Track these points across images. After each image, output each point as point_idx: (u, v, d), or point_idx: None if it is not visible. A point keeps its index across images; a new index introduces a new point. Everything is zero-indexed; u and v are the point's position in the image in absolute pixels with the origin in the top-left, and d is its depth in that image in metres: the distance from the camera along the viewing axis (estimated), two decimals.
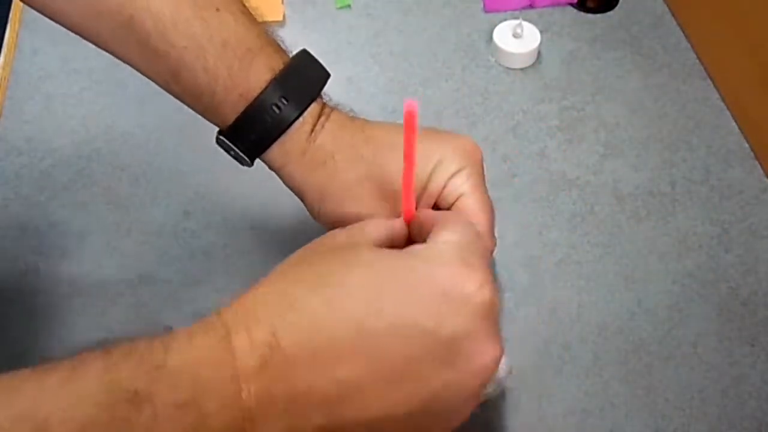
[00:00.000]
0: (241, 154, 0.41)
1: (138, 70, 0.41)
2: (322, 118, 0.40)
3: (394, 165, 0.38)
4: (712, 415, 0.46)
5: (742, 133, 0.60)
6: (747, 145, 0.59)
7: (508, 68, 0.66)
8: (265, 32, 0.40)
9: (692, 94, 0.63)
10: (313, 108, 0.40)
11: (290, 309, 0.28)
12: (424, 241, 0.32)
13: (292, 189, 0.42)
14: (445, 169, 0.39)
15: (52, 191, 0.58)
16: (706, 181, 0.57)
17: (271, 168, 0.41)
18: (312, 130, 0.40)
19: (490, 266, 0.37)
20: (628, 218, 0.55)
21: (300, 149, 0.40)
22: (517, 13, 0.70)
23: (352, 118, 0.42)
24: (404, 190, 0.34)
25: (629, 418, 0.46)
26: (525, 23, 0.65)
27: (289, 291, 0.29)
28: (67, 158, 0.60)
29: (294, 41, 0.69)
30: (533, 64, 0.66)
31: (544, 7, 0.71)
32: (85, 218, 0.56)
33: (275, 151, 0.40)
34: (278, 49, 0.41)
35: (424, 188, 0.39)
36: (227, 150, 0.41)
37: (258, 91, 0.39)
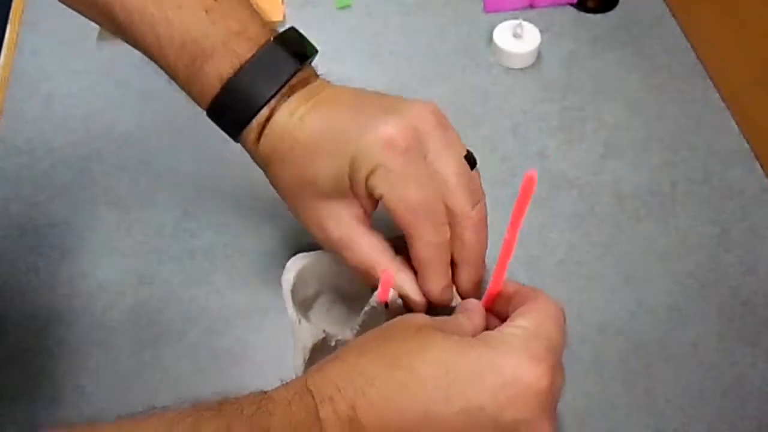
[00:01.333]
0: (224, 131, 0.42)
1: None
2: (266, 130, 0.39)
3: (312, 165, 0.38)
4: (712, 415, 0.46)
5: (742, 133, 0.60)
6: (747, 145, 0.59)
7: (508, 68, 0.66)
8: (231, 28, 0.39)
9: (692, 94, 0.63)
10: (260, 114, 0.39)
11: (369, 386, 0.31)
12: (506, 314, 0.36)
13: (272, 184, 0.42)
14: (360, 168, 0.36)
15: (52, 191, 0.58)
16: (706, 181, 0.57)
17: (253, 159, 0.42)
18: (258, 138, 0.40)
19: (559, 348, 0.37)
20: (628, 218, 0.55)
21: (257, 144, 0.40)
22: (517, 13, 0.70)
23: (309, 95, 0.39)
24: (498, 270, 0.37)
25: (629, 418, 0.46)
26: (525, 23, 0.65)
27: (369, 369, 0.32)
28: (67, 158, 0.60)
29: None
30: (533, 64, 0.66)
31: (544, 7, 0.71)
32: (84, 218, 0.56)
33: (252, 134, 0.40)
34: (241, 44, 0.39)
35: (351, 182, 0.37)
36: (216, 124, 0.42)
37: (209, 97, 0.39)
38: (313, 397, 0.31)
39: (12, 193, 0.58)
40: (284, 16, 0.71)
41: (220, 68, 0.38)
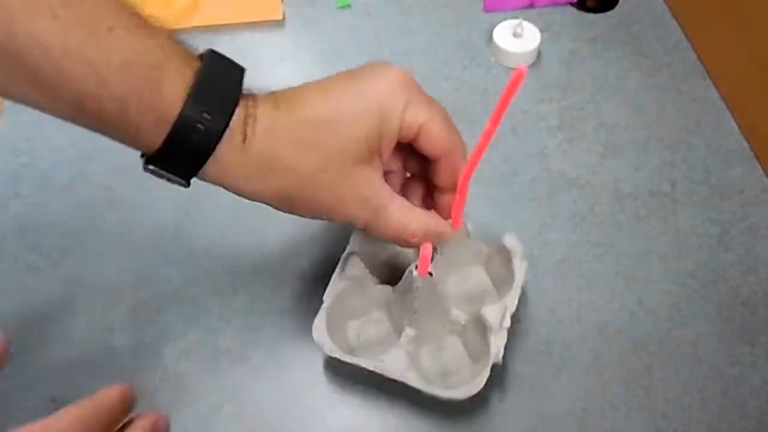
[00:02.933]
0: (175, 178, 0.38)
1: (39, 109, 0.36)
2: (250, 121, 0.37)
3: (338, 137, 0.38)
4: (712, 414, 0.46)
5: (742, 132, 0.60)
6: (747, 145, 0.59)
7: (508, 68, 0.66)
8: (167, 41, 0.36)
9: (692, 94, 0.63)
10: (238, 114, 0.37)
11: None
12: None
13: (247, 198, 0.39)
14: (392, 112, 0.39)
15: (52, 190, 0.58)
16: (706, 181, 0.57)
17: (213, 183, 0.39)
18: (244, 139, 0.37)
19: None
20: (628, 218, 0.55)
21: (236, 161, 0.37)
22: (517, 12, 0.70)
23: (275, 103, 0.38)
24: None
25: (629, 418, 0.46)
26: (525, 23, 0.66)
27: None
28: (67, 158, 0.60)
29: (294, 41, 0.70)
30: (533, 64, 0.66)
31: (544, 6, 0.71)
32: (85, 218, 0.56)
33: (211, 168, 0.37)
34: (185, 56, 0.37)
35: (380, 136, 0.39)
36: (159, 176, 0.38)
37: (176, 112, 0.35)
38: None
39: (12, 192, 0.58)
40: (284, 16, 0.71)
41: (180, 76, 0.36)
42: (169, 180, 0.38)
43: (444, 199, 0.43)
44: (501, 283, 0.50)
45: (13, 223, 0.56)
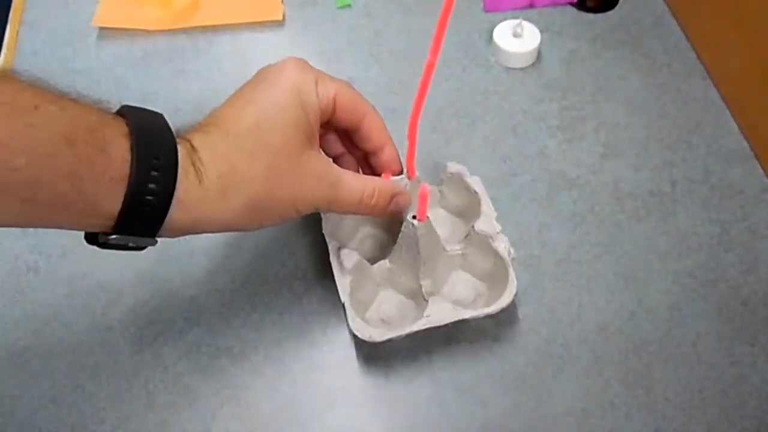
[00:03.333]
0: (141, 239, 0.37)
1: None
2: (195, 156, 0.38)
3: (275, 133, 0.40)
4: (712, 414, 0.46)
5: (743, 132, 0.60)
6: (747, 145, 0.59)
7: (508, 68, 0.66)
8: (90, 104, 0.36)
9: (692, 94, 0.63)
10: (181, 153, 0.37)
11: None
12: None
13: (218, 229, 0.41)
14: (309, 92, 0.42)
15: None
16: (706, 181, 0.57)
17: (182, 234, 0.39)
18: (197, 173, 0.37)
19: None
20: (628, 218, 0.55)
21: (199, 195, 0.37)
22: (517, 12, 0.70)
23: (204, 131, 0.39)
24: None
25: (629, 418, 0.46)
26: (525, 23, 0.66)
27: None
28: None
29: (294, 41, 0.70)
30: (533, 64, 0.66)
31: (544, 6, 0.71)
32: None
33: (178, 213, 0.36)
34: (111, 115, 0.37)
35: (307, 116, 0.41)
36: (121, 248, 0.37)
37: (126, 168, 0.34)
38: None
39: None
40: (284, 16, 0.71)
41: (118, 130, 0.35)
42: (133, 246, 0.37)
43: (382, 158, 0.47)
44: (465, 208, 0.52)
45: None
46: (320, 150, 0.44)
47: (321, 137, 0.45)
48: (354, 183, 0.43)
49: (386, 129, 0.46)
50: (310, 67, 0.43)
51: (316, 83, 0.42)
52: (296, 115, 0.40)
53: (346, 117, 0.44)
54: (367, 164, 0.48)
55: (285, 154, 0.40)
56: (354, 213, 0.45)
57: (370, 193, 0.44)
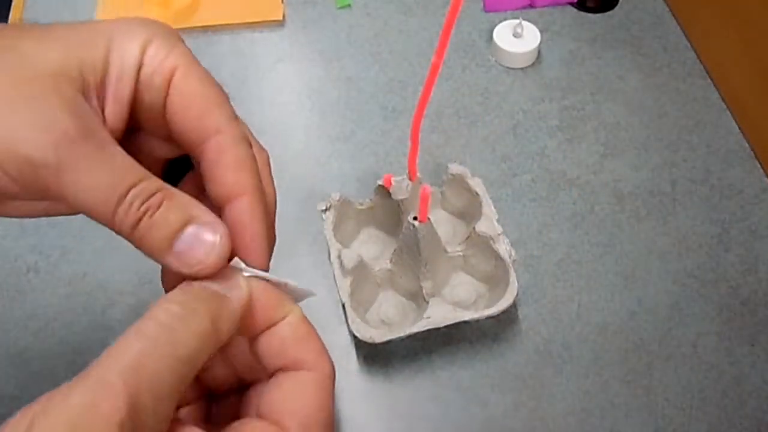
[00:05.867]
0: None
1: None
2: None
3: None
4: (712, 414, 0.46)
5: (743, 132, 0.60)
6: (747, 145, 0.59)
7: (508, 68, 0.66)
8: None
9: (692, 94, 0.63)
10: None
11: None
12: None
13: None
14: (128, 45, 0.26)
15: None
16: (706, 181, 0.57)
17: None
18: None
19: None
20: (628, 218, 0.55)
21: None
22: (517, 12, 0.70)
23: None
24: None
25: (629, 418, 0.46)
26: (525, 23, 0.65)
27: None
28: None
29: (294, 41, 0.70)
30: (533, 64, 0.66)
31: (544, 6, 0.71)
32: (84, 218, 0.56)
33: None
34: None
35: (102, 83, 0.26)
36: None
37: None
38: None
39: None
40: (284, 16, 0.71)
41: None
42: None
43: (233, 218, 0.27)
44: (466, 210, 0.52)
45: (13, 223, 0.56)
46: (98, 113, 0.26)
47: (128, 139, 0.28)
48: (118, 162, 0.25)
49: (255, 167, 0.28)
50: (165, 28, 0.28)
51: (148, 42, 0.26)
52: (76, 59, 0.25)
53: (183, 114, 0.27)
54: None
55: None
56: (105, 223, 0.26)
57: (122, 194, 0.25)
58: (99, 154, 0.24)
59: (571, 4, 0.71)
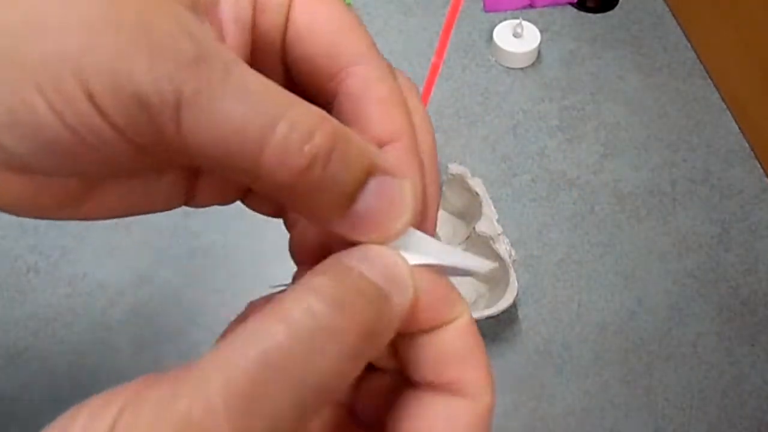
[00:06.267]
0: None
1: None
2: None
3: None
4: (711, 414, 0.46)
5: (742, 132, 0.60)
6: (747, 145, 0.59)
7: (508, 68, 0.66)
8: None
9: (692, 94, 0.63)
10: None
11: None
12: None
13: None
14: None
15: None
16: (706, 181, 0.57)
17: None
18: None
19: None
20: (628, 218, 0.55)
21: None
22: (517, 12, 0.70)
23: None
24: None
25: (629, 418, 0.46)
26: (525, 23, 0.65)
27: None
28: None
29: None
30: (533, 64, 0.66)
31: (544, 6, 0.71)
32: None
33: None
34: None
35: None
36: None
37: None
38: None
39: None
40: None
41: None
42: None
43: (392, 161, 0.21)
44: (466, 210, 0.52)
45: (13, 223, 0.56)
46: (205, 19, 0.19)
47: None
48: (257, 88, 0.17)
49: (407, 106, 0.21)
50: None
51: None
52: None
53: (304, 50, 0.20)
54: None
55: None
56: (235, 167, 0.17)
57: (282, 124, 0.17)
58: (229, 79, 0.16)
59: (571, 4, 0.71)
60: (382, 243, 0.18)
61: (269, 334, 0.15)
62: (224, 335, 0.18)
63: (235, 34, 0.20)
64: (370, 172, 0.17)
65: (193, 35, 0.16)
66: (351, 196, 0.17)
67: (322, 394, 0.15)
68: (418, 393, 0.20)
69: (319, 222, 0.18)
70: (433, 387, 0.20)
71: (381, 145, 0.20)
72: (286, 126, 0.16)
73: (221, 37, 0.19)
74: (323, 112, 0.17)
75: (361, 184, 0.17)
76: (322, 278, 0.17)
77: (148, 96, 0.16)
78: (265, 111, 0.16)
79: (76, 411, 0.15)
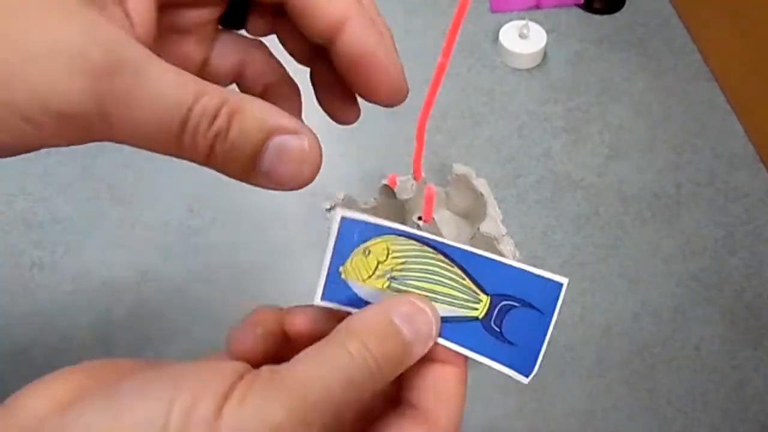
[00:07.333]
0: None
1: None
2: None
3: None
4: (714, 417, 0.45)
5: (748, 135, 0.60)
6: (752, 148, 0.59)
7: (513, 69, 0.66)
8: None
9: (698, 97, 0.63)
10: None
11: None
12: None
13: None
14: None
15: (57, 187, 0.58)
16: (711, 184, 0.57)
17: None
18: None
19: None
20: (633, 220, 0.55)
21: None
22: (523, 13, 0.69)
23: None
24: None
25: (632, 420, 0.46)
26: (531, 24, 0.65)
27: None
28: (71, 155, 0.60)
29: None
30: (539, 65, 0.66)
31: (550, 7, 0.70)
32: (89, 214, 0.56)
33: None
34: None
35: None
36: None
37: None
38: None
39: (17, 189, 0.58)
40: None
41: None
42: None
43: (349, 39, 0.24)
44: (471, 210, 0.52)
45: (18, 219, 0.56)
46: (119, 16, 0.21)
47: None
48: (170, 79, 0.20)
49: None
50: None
51: None
52: None
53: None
54: (329, 91, 0.27)
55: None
56: (161, 147, 0.21)
57: (190, 106, 0.20)
58: (141, 82, 0.19)
59: (578, 5, 0.71)
60: (297, 189, 0.22)
61: (345, 372, 0.20)
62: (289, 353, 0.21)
63: (138, 2, 0.22)
64: (268, 135, 0.21)
65: (102, 42, 0.19)
66: (253, 158, 0.21)
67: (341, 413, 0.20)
68: (396, 408, 0.24)
69: (243, 181, 0.22)
70: (411, 406, 0.24)
71: (336, 28, 0.23)
72: (195, 117, 0.20)
73: (129, 20, 0.21)
74: (225, 95, 0.20)
75: (259, 147, 0.21)
76: (369, 332, 0.22)
77: (72, 112, 0.19)
78: (177, 104, 0.20)
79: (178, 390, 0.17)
